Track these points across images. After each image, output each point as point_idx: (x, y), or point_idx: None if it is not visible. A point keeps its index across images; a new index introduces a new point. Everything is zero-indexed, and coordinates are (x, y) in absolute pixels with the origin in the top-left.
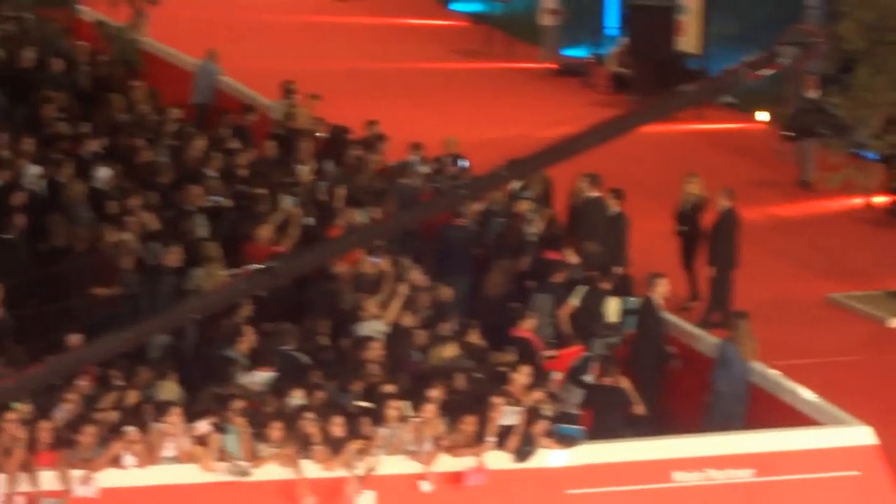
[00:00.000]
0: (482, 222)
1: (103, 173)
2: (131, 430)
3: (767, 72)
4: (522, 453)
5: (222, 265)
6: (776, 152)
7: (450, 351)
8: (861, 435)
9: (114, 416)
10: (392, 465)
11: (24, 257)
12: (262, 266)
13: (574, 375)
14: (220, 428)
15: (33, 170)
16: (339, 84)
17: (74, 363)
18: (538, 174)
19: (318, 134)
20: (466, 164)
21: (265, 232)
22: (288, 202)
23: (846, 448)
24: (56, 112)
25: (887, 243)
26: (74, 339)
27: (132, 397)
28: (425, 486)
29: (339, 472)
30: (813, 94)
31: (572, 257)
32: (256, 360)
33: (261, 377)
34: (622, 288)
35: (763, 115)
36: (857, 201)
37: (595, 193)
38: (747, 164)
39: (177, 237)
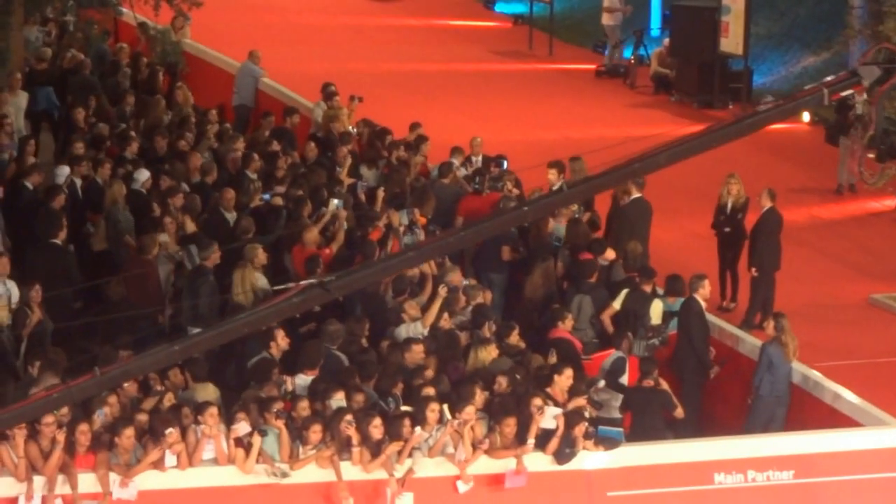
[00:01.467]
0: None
1: (142, 175)
2: (170, 433)
3: (849, 92)
4: (563, 455)
5: (260, 267)
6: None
7: (490, 353)
8: None
9: (152, 418)
10: (431, 467)
11: (68, 261)
12: (317, 281)
13: (610, 378)
14: (259, 430)
15: (64, 170)
16: (380, 85)
17: (121, 375)
18: (580, 173)
19: (357, 135)
20: (506, 164)
21: (312, 234)
22: (334, 204)
23: (887, 450)
24: (84, 117)
25: None
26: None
27: (169, 399)
28: (462, 487)
29: (377, 474)
30: (858, 97)
31: (610, 253)
32: (303, 362)
33: (304, 380)
34: (673, 289)
35: (806, 117)
36: (890, 202)
37: (638, 194)
38: (789, 164)
39: (215, 238)
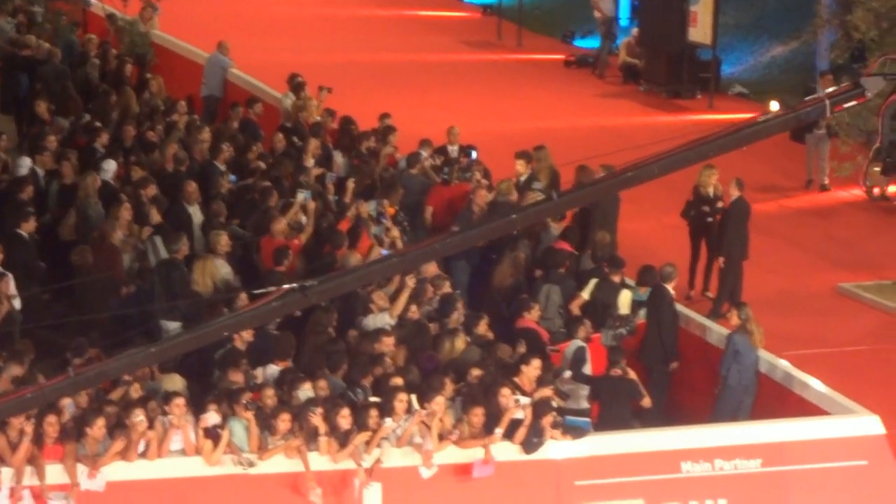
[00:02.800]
0: (490, 212)
1: (110, 166)
2: (139, 419)
3: (852, 103)
4: (531, 445)
5: (224, 254)
6: (868, 190)
7: (459, 343)
8: (869, 424)
9: (119, 409)
10: (399, 457)
11: (28, 252)
12: (297, 286)
13: (574, 369)
14: (225, 425)
15: (26, 161)
16: (349, 76)
17: (96, 377)
18: (546, 163)
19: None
20: (475, 155)
21: (280, 225)
22: (301, 196)
23: (854, 438)
24: (47, 108)
25: None
26: (92, 350)
27: (136, 390)
28: (425, 473)
29: (345, 465)
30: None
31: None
32: (274, 352)
33: (274, 370)
34: (646, 279)
35: (775, 105)
36: (858, 192)
37: None
38: (757, 154)
39: (181, 230)
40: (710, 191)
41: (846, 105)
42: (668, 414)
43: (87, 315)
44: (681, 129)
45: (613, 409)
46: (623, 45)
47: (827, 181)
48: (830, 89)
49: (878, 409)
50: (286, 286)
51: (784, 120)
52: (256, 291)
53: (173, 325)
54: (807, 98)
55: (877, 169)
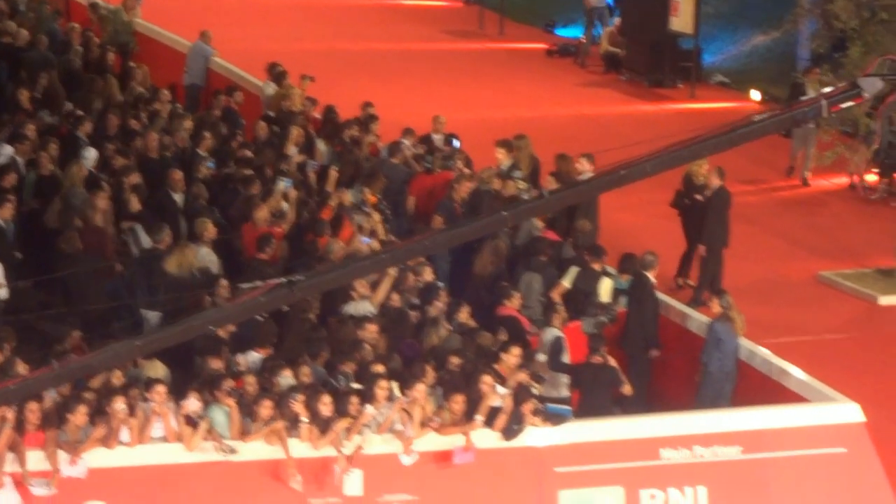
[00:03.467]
0: (471, 201)
1: (91, 154)
2: (120, 409)
3: (849, 104)
4: (511, 432)
5: (209, 242)
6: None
7: (443, 333)
8: (848, 412)
9: (99, 396)
10: (380, 444)
11: (12, 239)
12: (284, 280)
13: (553, 359)
14: (205, 414)
15: (7, 150)
16: (331, 65)
17: (80, 369)
18: (526, 152)
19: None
20: (458, 143)
21: (262, 213)
22: (282, 185)
23: (833, 425)
24: (29, 97)
25: (878, 221)
26: (74, 337)
27: (117, 377)
28: (406, 460)
29: (326, 452)
30: (810, 87)
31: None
32: (255, 340)
33: (255, 357)
34: (626, 267)
35: (756, 95)
36: (844, 180)
37: (590, 172)
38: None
39: (162, 218)
40: (702, 179)
41: (843, 105)
42: (649, 401)
43: (80, 299)
44: (662, 118)
45: (594, 397)
46: (605, 34)
47: (808, 174)
48: (827, 89)
49: (858, 396)
50: (273, 281)
51: (779, 120)
52: (244, 285)
53: (153, 315)
54: (802, 98)
55: (876, 170)
